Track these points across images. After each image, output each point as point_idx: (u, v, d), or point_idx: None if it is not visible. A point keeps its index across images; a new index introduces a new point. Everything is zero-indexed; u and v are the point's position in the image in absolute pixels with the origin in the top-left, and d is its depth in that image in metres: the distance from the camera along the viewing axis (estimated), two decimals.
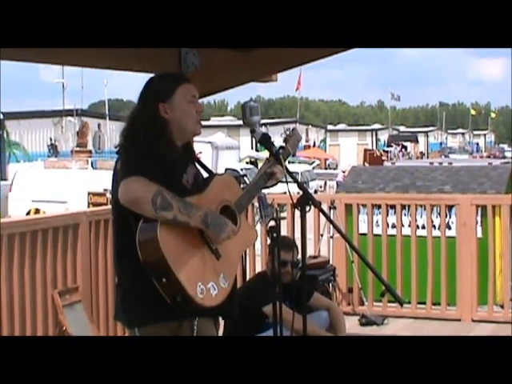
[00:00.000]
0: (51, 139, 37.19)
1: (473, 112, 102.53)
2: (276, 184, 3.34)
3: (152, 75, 3.23)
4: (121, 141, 3.08)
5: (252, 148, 39.29)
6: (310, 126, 63.51)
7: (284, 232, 3.87)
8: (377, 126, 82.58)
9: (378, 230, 7.91)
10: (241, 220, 3.14)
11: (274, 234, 3.32)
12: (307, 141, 60.03)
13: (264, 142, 3.24)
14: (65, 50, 4.32)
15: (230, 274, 3.06)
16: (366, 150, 56.93)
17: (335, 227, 3.42)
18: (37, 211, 19.07)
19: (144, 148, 2.92)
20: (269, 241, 3.51)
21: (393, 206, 7.88)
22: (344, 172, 36.24)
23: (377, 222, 7.96)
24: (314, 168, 38.05)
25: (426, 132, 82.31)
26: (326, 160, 49.50)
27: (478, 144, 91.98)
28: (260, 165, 3.37)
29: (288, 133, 3.28)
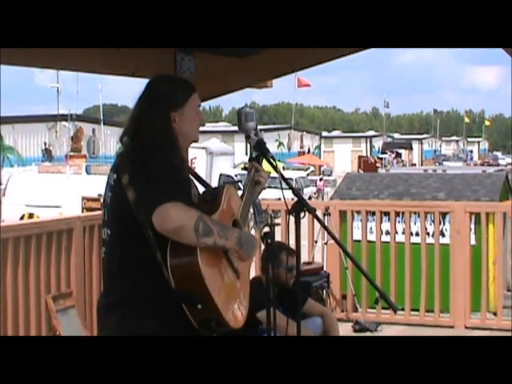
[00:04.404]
0: (45, 144, 37.18)
1: (467, 119, 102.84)
2: (262, 190, 3.30)
3: (153, 76, 3.05)
4: (125, 149, 2.91)
5: (246, 154, 39.25)
6: (304, 133, 63.61)
7: (278, 238, 3.87)
8: (371, 132, 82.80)
9: (372, 237, 7.93)
10: None
11: (269, 240, 3.32)
12: (302, 147, 60.09)
13: (259, 148, 3.23)
14: (60, 54, 4.35)
15: (246, 290, 3.03)
16: (360, 157, 57.02)
17: (329, 234, 3.42)
18: (31, 216, 19.04)
19: (164, 164, 2.76)
20: (263, 247, 3.50)
21: (387, 213, 7.90)
22: (321, 179, 36.30)
23: (371, 228, 7.97)
24: (308, 174, 38.09)
25: (421, 139, 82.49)
26: (320, 166, 49.53)
27: (471, 151, 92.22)
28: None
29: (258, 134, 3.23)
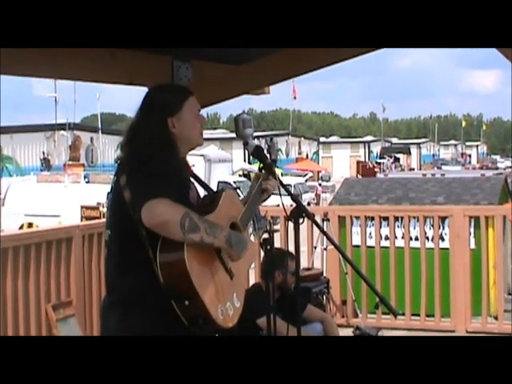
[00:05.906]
0: (44, 153, 37.16)
1: (465, 123, 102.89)
2: (268, 198, 3.34)
3: (147, 88, 3.15)
4: (124, 155, 2.98)
5: (245, 161, 39.30)
6: (302, 139, 63.62)
7: (277, 244, 3.88)
8: (369, 138, 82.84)
9: (371, 242, 7.92)
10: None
11: (268, 247, 3.32)
12: (300, 153, 60.10)
13: (257, 154, 3.25)
14: (57, 63, 4.35)
15: (241, 292, 3.06)
16: (358, 162, 57.07)
17: (329, 239, 3.42)
18: (30, 225, 19.00)
19: (158, 165, 2.83)
20: (262, 253, 3.50)
21: (386, 218, 7.90)
22: (320, 185, 36.30)
23: (370, 233, 7.97)
24: (306, 180, 38.07)
25: (419, 144, 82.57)
26: (318, 172, 49.52)
27: (470, 155, 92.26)
28: (252, 177, 3.36)
29: (269, 143, 3.27)
